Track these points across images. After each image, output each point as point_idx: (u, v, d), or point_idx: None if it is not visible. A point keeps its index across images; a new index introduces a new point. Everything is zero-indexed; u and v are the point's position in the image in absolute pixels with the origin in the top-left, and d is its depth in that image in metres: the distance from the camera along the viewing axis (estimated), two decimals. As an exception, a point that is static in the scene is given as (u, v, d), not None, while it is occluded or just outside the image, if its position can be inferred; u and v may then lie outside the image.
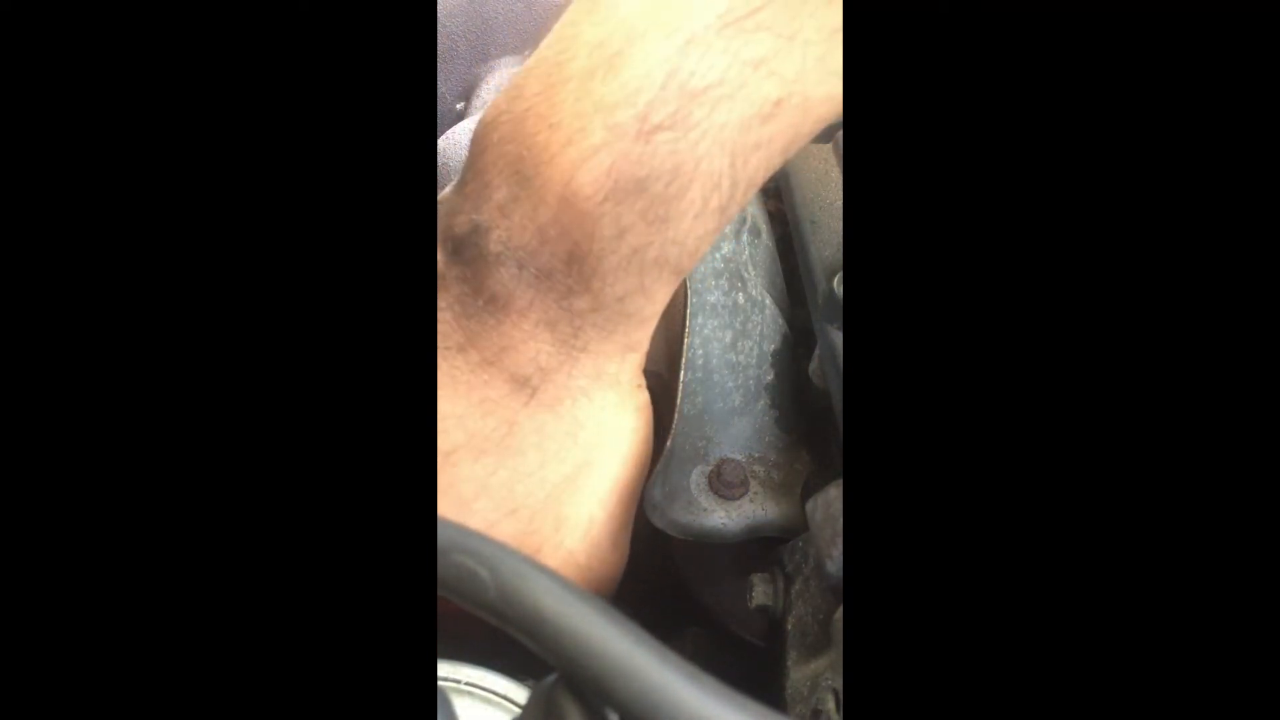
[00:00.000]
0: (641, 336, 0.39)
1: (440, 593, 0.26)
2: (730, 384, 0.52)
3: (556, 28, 0.36)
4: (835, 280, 0.42)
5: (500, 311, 0.37)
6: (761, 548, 0.51)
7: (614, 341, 0.38)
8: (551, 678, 0.26)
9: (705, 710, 0.23)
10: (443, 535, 0.26)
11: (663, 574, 0.62)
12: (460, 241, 0.37)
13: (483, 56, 0.72)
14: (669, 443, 0.48)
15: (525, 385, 0.37)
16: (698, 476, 0.53)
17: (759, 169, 0.36)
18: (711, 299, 0.50)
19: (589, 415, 0.39)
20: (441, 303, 0.37)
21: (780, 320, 0.53)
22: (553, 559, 0.40)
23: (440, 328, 0.37)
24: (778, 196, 0.58)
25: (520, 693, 0.37)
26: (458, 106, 0.73)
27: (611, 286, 0.36)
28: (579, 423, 0.39)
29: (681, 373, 0.48)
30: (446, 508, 0.38)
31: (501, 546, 0.26)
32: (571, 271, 0.36)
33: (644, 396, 0.42)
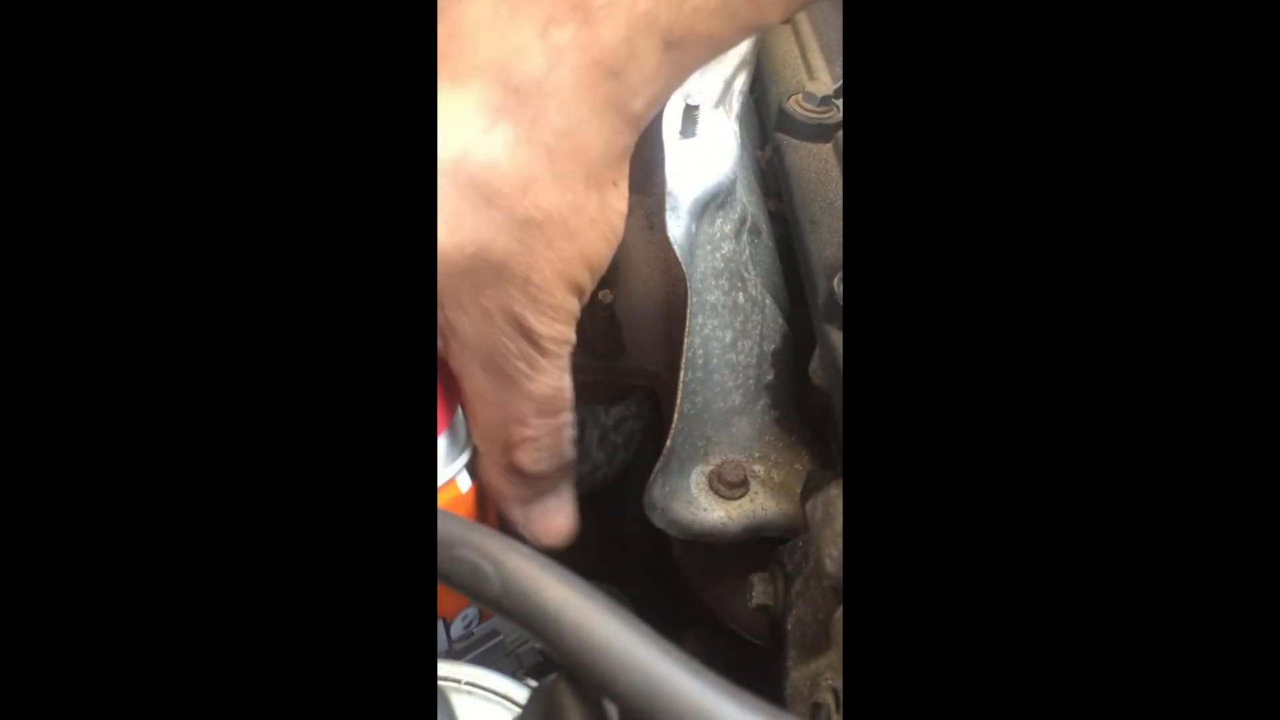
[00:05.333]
0: (622, 107, 0.35)
1: (445, 587, 0.26)
2: (730, 384, 0.52)
3: None
4: (835, 280, 0.42)
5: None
6: (761, 548, 0.51)
7: (585, 98, 0.34)
8: (552, 677, 0.26)
9: (707, 704, 0.23)
10: (449, 530, 0.26)
11: (663, 574, 0.62)
12: None
13: None
14: (669, 442, 0.48)
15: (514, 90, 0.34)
16: (698, 476, 0.52)
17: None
18: (711, 299, 0.50)
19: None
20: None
21: (780, 320, 0.53)
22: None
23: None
24: (778, 196, 0.58)
25: (520, 692, 0.37)
26: None
27: (597, 23, 0.33)
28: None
29: (681, 372, 0.47)
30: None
31: (507, 541, 0.26)
32: None
33: (621, 203, 0.37)
